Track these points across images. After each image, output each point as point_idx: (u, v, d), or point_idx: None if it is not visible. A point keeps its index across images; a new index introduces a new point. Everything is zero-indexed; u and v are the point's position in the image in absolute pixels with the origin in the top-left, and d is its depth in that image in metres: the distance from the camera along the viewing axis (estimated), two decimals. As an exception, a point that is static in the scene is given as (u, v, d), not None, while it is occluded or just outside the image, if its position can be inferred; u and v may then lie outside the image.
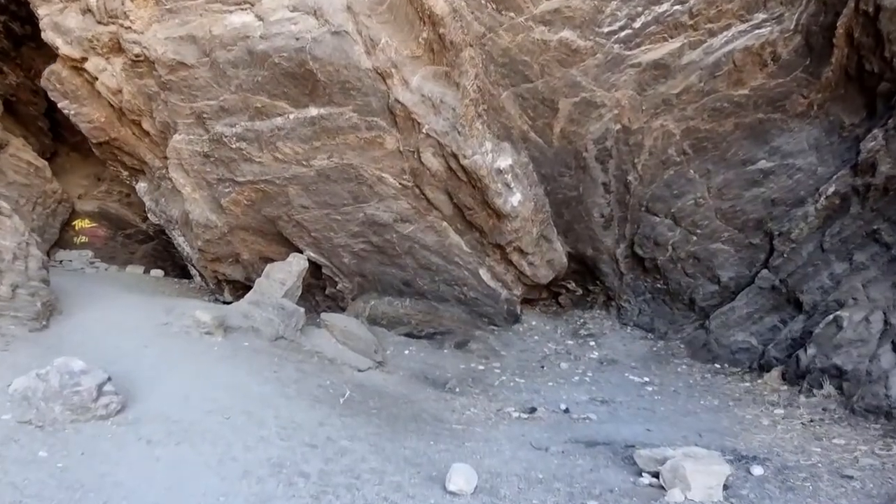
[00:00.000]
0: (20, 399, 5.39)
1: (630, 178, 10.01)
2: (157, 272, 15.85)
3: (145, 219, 16.38)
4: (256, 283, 10.20)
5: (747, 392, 8.85)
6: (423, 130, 9.02)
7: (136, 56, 9.75)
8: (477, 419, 7.95)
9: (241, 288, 13.18)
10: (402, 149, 9.37)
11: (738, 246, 9.93)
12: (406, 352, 10.93)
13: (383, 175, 9.71)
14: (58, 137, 18.25)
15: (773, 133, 9.00)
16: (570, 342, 11.88)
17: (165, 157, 10.99)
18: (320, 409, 6.85)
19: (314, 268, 11.73)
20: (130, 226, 16.63)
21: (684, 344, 10.93)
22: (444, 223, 10.42)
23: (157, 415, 5.64)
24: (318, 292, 12.61)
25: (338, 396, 7.61)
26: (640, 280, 11.49)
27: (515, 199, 9.83)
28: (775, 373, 9.01)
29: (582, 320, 12.58)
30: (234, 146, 9.75)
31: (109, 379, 5.65)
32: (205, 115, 9.71)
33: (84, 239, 16.21)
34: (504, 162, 9.54)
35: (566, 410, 8.34)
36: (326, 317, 10.36)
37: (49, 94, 11.62)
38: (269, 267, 10.24)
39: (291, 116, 9.33)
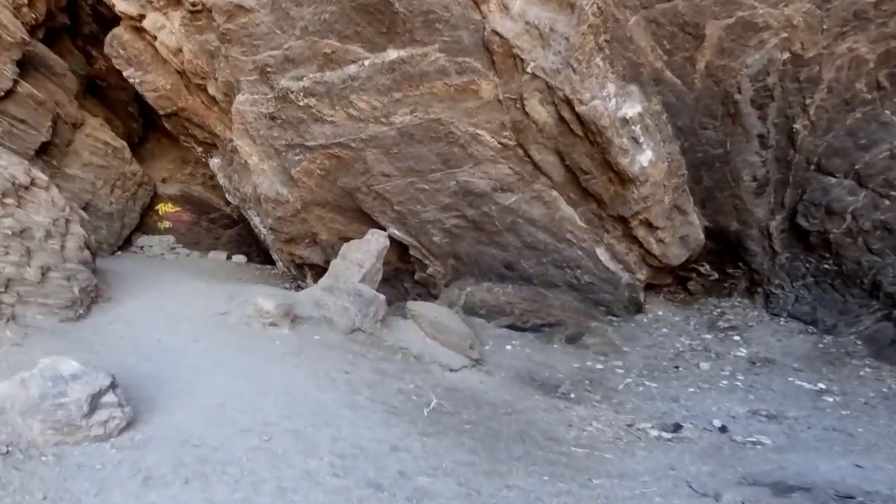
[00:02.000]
0: (-3, 412, 4.05)
1: (797, 126, 7.70)
2: (240, 258, 14.90)
3: (229, 202, 15.52)
4: (331, 266, 8.74)
5: (976, 408, 6.45)
6: (528, 69, 7.15)
7: (193, 5, 8.48)
8: (603, 439, 6.06)
9: (324, 273, 11.87)
10: (501, 97, 7.55)
11: (948, 212, 7.43)
12: (508, 347, 9.16)
13: (478, 132, 7.93)
14: (150, 125, 17.85)
15: None
16: (707, 336, 9.68)
17: (235, 127, 9.75)
18: (397, 424, 5.19)
19: (401, 249, 10.16)
20: (214, 209, 15.78)
21: (863, 340, 8.51)
22: (554, 192, 8.52)
23: (173, 435, 4.15)
24: (406, 278, 11.05)
25: (422, 406, 5.94)
26: (799, 260, 9.11)
27: (645, 157, 7.77)
28: None
29: (719, 310, 10.33)
30: (302, 103, 8.27)
31: (113, 386, 4.21)
32: (269, 69, 8.28)
33: (167, 224, 15.49)
34: (631, 109, 7.50)
35: (723, 429, 6.28)
36: (413, 306, 8.74)
37: (114, 62, 10.70)
38: (344, 247, 8.73)
39: (366, 63, 7.71)
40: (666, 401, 7.36)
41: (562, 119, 7.50)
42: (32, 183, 6.91)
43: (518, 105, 7.56)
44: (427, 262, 10.13)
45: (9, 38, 10.13)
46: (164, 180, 15.87)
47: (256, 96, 8.68)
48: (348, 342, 7.67)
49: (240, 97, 8.84)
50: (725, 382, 7.95)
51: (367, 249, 8.35)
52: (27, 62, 11.32)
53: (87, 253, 7.29)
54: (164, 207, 15.50)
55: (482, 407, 6.63)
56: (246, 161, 9.51)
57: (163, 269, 11.25)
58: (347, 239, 9.95)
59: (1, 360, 5.10)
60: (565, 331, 9.76)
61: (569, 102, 7.24)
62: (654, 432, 6.21)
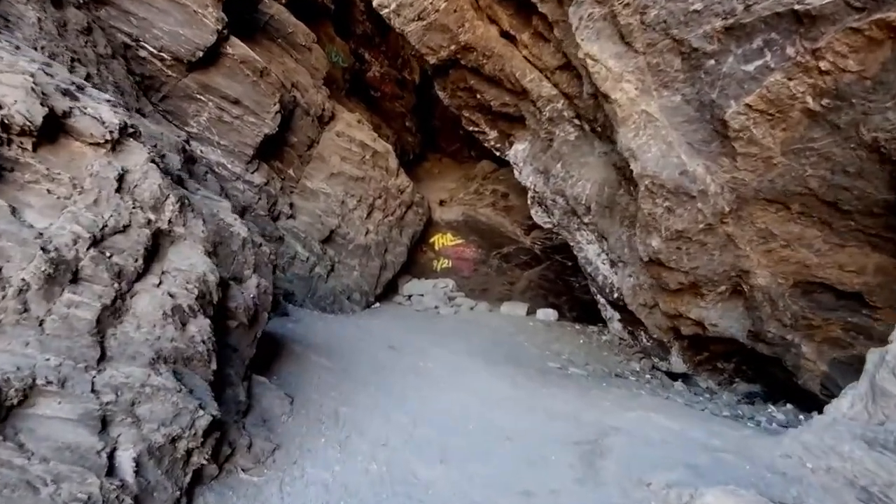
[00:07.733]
0: None
1: None
2: (547, 313, 9.70)
3: (530, 229, 10.59)
4: None
5: None
6: None
7: None
8: None
9: (721, 353, 5.88)
10: None
11: None
12: None
13: None
14: (430, 145, 14.29)
15: None
16: None
17: (558, 68, 4.54)
18: None
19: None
20: (508, 241, 10.94)
21: None
22: None
23: None
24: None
25: None
26: None
27: None
28: None
29: None
30: None
31: None
32: None
33: (446, 263, 11.07)
34: None
35: None
36: None
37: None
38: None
39: None
40: None
41: None
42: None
43: None
44: None
45: (208, -35, 6.33)
46: (441, 203, 11.56)
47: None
48: None
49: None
50: None
51: None
52: (249, 21, 7.64)
53: (197, 327, 2.45)
54: (440, 240, 11.13)
55: None
56: (605, 95, 4.13)
57: (430, 336, 6.40)
58: (818, 286, 4.01)
59: None
60: None
61: None
62: None
